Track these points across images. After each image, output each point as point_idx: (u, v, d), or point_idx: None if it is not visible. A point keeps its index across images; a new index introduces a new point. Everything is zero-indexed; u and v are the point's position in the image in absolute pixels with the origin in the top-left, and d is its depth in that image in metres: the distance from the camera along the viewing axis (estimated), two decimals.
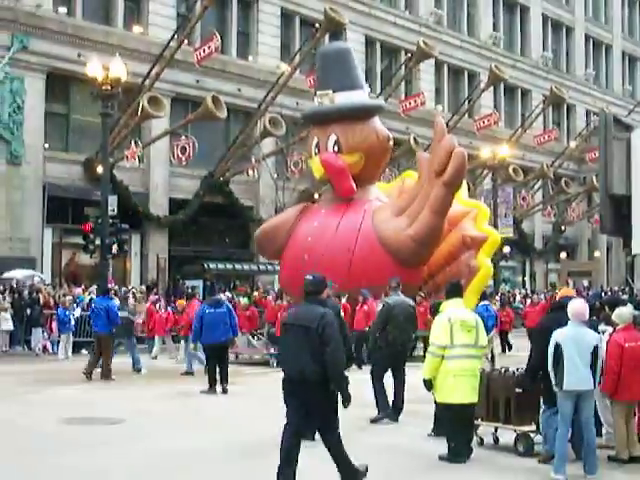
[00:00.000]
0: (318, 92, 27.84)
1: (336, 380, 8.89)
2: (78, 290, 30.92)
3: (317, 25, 40.89)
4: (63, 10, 36.30)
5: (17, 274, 30.45)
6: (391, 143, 27.97)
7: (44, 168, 34.57)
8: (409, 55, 48.15)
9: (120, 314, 21.61)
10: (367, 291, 23.89)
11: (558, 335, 10.20)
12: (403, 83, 49.54)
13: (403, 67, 48.45)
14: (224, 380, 17.96)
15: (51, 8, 35.55)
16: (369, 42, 49.91)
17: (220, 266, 37.66)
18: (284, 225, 27.67)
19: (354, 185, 26.59)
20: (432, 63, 51.33)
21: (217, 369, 18.02)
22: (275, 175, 42.12)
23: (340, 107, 26.92)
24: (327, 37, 41.64)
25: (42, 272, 33.06)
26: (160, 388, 18.56)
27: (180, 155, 37.28)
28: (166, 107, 35.62)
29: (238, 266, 39.06)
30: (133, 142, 35.80)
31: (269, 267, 41.26)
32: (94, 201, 30.87)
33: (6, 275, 30.36)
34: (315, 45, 41.21)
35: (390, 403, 14.01)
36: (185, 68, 38.00)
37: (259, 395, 17.29)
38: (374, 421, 13.74)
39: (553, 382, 10.21)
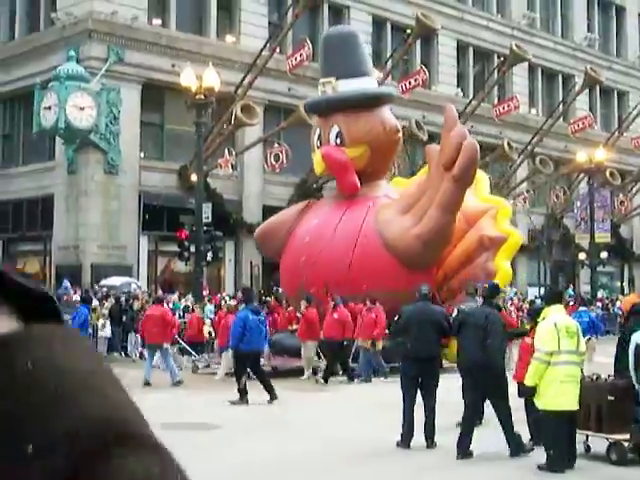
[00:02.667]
0: (321, 80, 25.95)
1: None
2: (174, 297, 31.29)
3: (408, 31, 40.76)
4: (157, 22, 36.91)
5: (114, 281, 30.94)
6: (399, 135, 25.82)
7: (140, 177, 35.13)
8: (502, 59, 47.73)
9: None
10: (339, 297, 22.10)
11: (638, 337, 10.08)
12: (496, 87, 49.07)
13: (496, 71, 48.00)
14: (270, 388, 17.56)
15: (146, 20, 36.18)
16: (461, 47, 49.62)
17: None
18: (284, 224, 26.02)
19: (358, 181, 24.76)
20: (525, 66, 50.67)
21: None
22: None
23: (342, 95, 24.80)
24: (418, 43, 41.61)
25: (138, 279, 33.54)
26: (249, 394, 18.63)
27: (273, 162, 37.49)
28: (259, 115, 35.87)
29: None
30: (227, 150, 36.12)
31: None
32: (189, 209, 31.25)
33: (104, 282, 30.89)
34: (407, 51, 41.18)
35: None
36: (277, 76, 38.24)
37: (344, 401, 17.29)
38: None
39: (635, 382, 10.07)
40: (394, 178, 30.70)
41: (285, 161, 37.29)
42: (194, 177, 30.37)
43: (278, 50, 37.38)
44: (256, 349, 17.87)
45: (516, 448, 11.75)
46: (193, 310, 27.28)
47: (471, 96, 46.21)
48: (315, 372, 22.13)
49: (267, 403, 17.19)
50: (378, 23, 45.43)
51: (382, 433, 12.78)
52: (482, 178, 25.98)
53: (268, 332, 18.70)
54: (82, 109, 33.11)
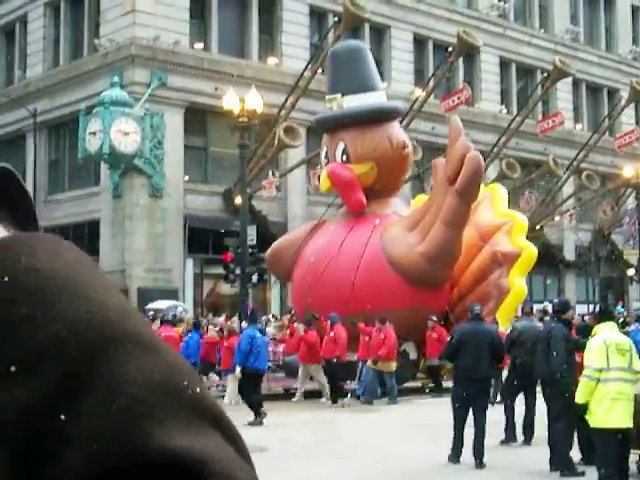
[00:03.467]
0: (327, 96, 25.63)
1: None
2: (220, 320, 31.26)
3: (450, 49, 40.62)
4: (199, 46, 37.13)
5: (161, 305, 30.98)
6: (408, 150, 25.12)
7: (184, 200, 35.26)
8: (545, 74, 47.37)
9: None
10: (336, 315, 21.69)
11: None
12: (540, 103, 48.70)
13: (539, 87, 47.65)
14: (259, 408, 17.43)
15: (188, 44, 36.40)
16: (504, 63, 49.38)
17: None
18: (293, 244, 25.67)
19: (364, 198, 24.22)
20: (569, 81, 50.29)
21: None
22: (412, 200, 41.89)
23: (346, 111, 24.41)
24: (461, 60, 41.46)
25: (184, 302, 33.59)
26: (301, 415, 18.52)
27: (317, 183, 37.41)
28: (302, 136, 35.87)
29: None
30: (270, 172, 36.16)
31: None
32: (233, 231, 31.24)
33: (150, 306, 30.94)
34: (449, 69, 41.06)
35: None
36: (319, 97, 38.14)
37: (389, 421, 17.11)
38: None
39: None
40: (417, 196, 30.62)
41: None
42: (238, 199, 30.41)
43: (320, 71, 37.38)
44: (262, 369, 17.90)
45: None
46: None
47: (515, 112, 45.90)
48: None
49: (247, 424, 16.85)
50: (420, 42, 45.35)
51: (432, 452, 12.66)
52: (499, 192, 25.41)
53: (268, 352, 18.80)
54: (126, 134, 33.34)
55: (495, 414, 13.60)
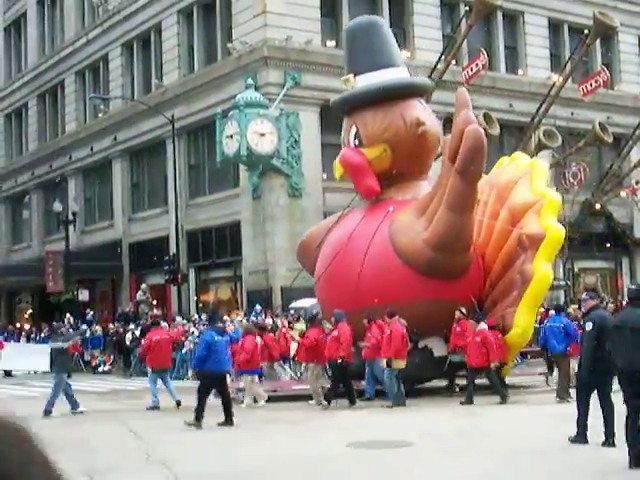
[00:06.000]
0: (342, 78, 23.64)
1: None
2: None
3: (586, 31, 39.61)
4: (331, 43, 37.16)
5: (305, 303, 31.09)
6: (423, 128, 22.10)
7: (324, 198, 35.32)
8: None
9: (52, 345, 20.90)
10: (341, 312, 20.04)
11: None
12: None
13: None
14: (229, 412, 16.83)
15: (319, 43, 36.48)
16: None
17: None
18: (319, 236, 23.98)
19: (376, 184, 22.16)
20: None
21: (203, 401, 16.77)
22: (554, 188, 41.06)
23: (355, 92, 22.55)
24: (598, 42, 40.45)
25: None
26: (443, 411, 18.25)
27: None
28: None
29: None
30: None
31: (553, 282, 40.15)
32: None
33: (294, 305, 31.11)
34: (586, 53, 40.09)
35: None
36: (454, 88, 37.71)
37: (516, 411, 16.65)
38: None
39: None
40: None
41: None
42: None
43: (454, 62, 37.00)
44: (222, 370, 17.18)
45: None
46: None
47: None
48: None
49: (217, 425, 16.50)
50: (555, 26, 44.42)
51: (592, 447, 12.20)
52: (539, 167, 22.76)
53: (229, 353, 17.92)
54: (263, 135, 33.63)
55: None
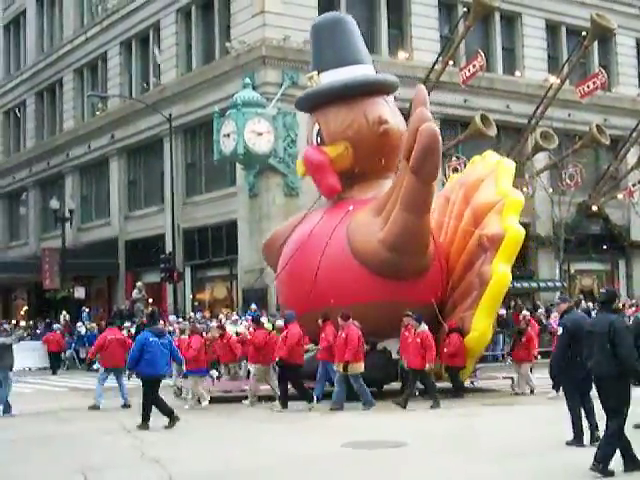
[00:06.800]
0: (307, 75, 23.43)
1: (632, 373, 10.48)
2: None
3: (584, 33, 39.67)
4: None
5: None
6: (386, 126, 21.33)
7: (320, 198, 35.26)
8: None
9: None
10: (292, 313, 19.62)
11: None
12: None
13: None
14: (169, 414, 16.47)
15: None
16: None
17: None
18: (283, 235, 23.42)
19: (336, 182, 21.65)
20: None
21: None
22: (550, 190, 41.20)
23: (317, 89, 22.13)
24: (595, 45, 40.51)
25: None
26: (437, 411, 18.27)
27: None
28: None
29: (517, 284, 38.31)
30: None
31: (549, 284, 40.35)
32: None
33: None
34: (583, 55, 40.20)
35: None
36: (451, 89, 37.92)
37: (529, 417, 16.69)
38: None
39: None
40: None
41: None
42: None
43: (451, 63, 37.06)
44: (157, 373, 16.60)
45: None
46: None
47: None
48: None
49: (164, 428, 16.23)
50: (552, 28, 44.47)
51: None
52: (504, 166, 22.15)
53: (178, 353, 17.50)
54: (260, 134, 33.66)
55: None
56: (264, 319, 25.03)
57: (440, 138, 18.95)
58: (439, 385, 20.07)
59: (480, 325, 19.92)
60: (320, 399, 19.31)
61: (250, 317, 27.83)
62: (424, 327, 18.89)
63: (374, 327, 19.49)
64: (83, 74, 49.94)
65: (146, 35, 44.10)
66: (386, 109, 21.89)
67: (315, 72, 22.32)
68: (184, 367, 19.39)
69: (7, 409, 19.54)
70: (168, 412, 16.46)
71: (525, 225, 40.60)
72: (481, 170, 22.60)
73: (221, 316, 30.78)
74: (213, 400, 20.62)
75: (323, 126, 21.90)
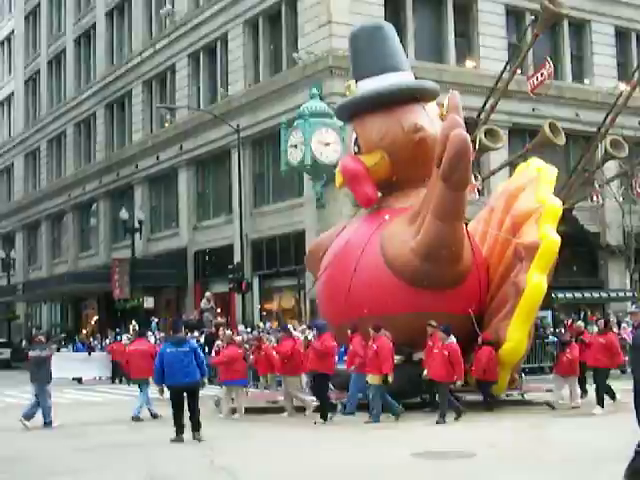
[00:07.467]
0: (345, 84, 23.31)
1: None
2: None
3: None
4: None
5: None
6: (422, 133, 20.85)
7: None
8: None
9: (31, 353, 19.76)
10: (324, 323, 19.72)
11: None
12: None
13: None
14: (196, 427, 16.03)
15: None
16: None
17: (568, 295, 36.78)
18: (324, 245, 23.17)
19: (373, 192, 21.36)
20: None
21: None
22: (621, 199, 40.65)
23: (354, 98, 21.91)
24: None
25: None
26: (508, 421, 18.09)
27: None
28: (503, 138, 35.27)
29: (587, 294, 37.92)
30: (472, 176, 35.68)
31: (619, 294, 39.80)
32: None
33: None
34: None
35: None
36: (520, 97, 37.57)
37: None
38: None
39: None
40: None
41: None
42: None
43: (519, 71, 36.74)
44: (175, 383, 16.10)
45: None
46: None
47: None
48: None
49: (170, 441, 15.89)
50: (622, 34, 44.00)
51: None
52: (546, 173, 21.61)
53: (203, 362, 16.52)
54: (327, 144, 33.74)
55: None
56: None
57: (470, 145, 18.69)
58: (469, 398, 19.87)
59: (515, 335, 19.52)
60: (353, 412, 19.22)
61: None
62: (452, 339, 18.37)
63: (407, 338, 19.31)
64: (152, 86, 50.50)
65: (213, 47, 44.45)
66: (422, 116, 21.38)
67: (352, 81, 22.23)
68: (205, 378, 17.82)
69: (48, 422, 19.11)
70: (178, 425, 16.08)
71: (595, 234, 40.56)
72: (523, 178, 22.33)
73: (290, 325, 30.81)
74: (255, 411, 20.61)
75: (360, 135, 21.73)
